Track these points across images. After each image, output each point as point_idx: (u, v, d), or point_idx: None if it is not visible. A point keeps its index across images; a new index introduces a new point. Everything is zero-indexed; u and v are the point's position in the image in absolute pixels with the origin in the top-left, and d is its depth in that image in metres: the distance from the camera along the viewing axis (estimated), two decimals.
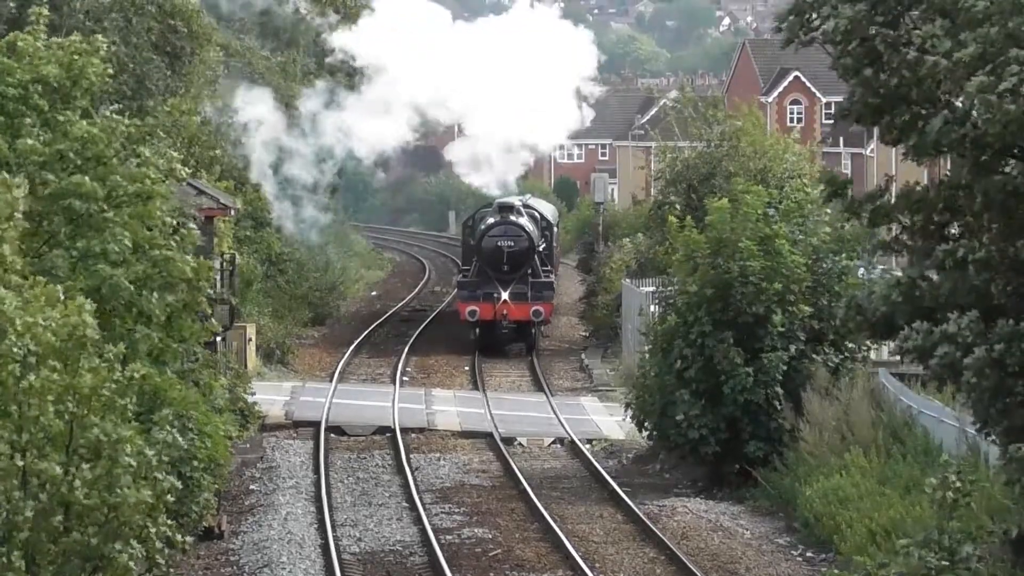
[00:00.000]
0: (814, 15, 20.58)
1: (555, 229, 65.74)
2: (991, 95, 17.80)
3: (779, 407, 35.84)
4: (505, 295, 55.80)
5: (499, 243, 57.28)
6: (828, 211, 38.12)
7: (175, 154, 29.88)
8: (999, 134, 18.27)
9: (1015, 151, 18.68)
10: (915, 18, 20.03)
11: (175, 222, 28.07)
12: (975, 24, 18.14)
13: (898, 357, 35.41)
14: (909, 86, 20.01)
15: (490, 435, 43.17)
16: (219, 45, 63.16)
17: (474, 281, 57.33)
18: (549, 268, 60.55)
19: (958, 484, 25.47)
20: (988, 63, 18.29)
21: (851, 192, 22.53)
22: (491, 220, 58.86)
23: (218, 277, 42.26)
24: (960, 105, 19.77)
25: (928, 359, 20.01)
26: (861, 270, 37.32)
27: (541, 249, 59.15)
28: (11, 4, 48.51)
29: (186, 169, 29.98)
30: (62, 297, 18.81)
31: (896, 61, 19.83)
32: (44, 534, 17.79)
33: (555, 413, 46.58)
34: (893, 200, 21.23)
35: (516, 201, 60.73)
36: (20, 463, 17.62)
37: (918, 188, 21.10)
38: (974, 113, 18.74)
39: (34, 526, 17.70)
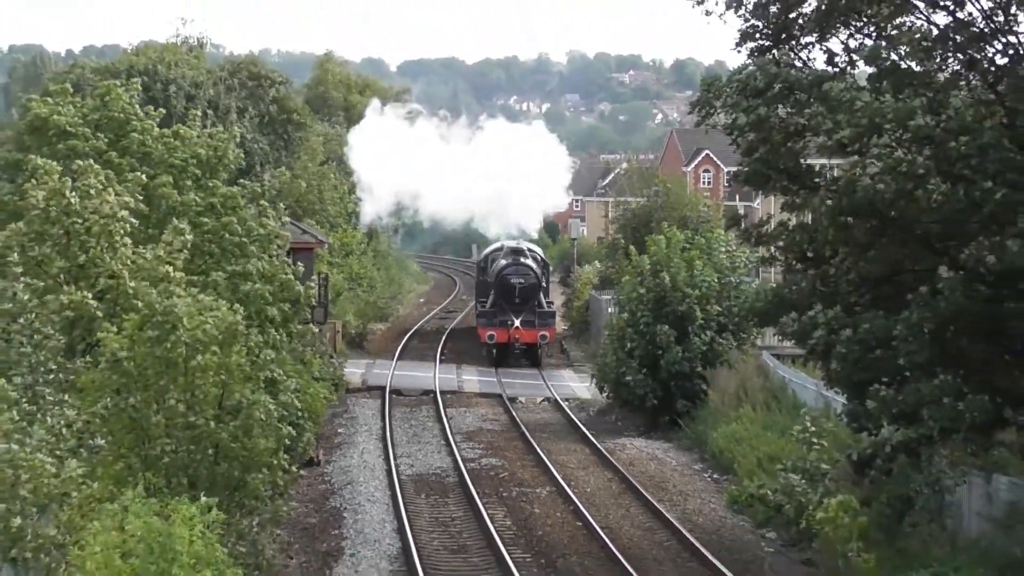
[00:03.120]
0: (717, 104, 20.63)
1: (549, 266, 59.81)
2: (866, 179, 17.71)
3: (700, 374, 36.04)
4: (517, 322, 49.98)
5: (512, 280, 50.96)
6: (726, 246, 38.41)
7: (281, 205, 30.47)
8: (857, 205, 18.26)
9: (862, 206, 18.67)
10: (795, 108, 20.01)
11: (288, 258, 28.29)
12: (849, 111, 18.02)
13: (775, 342, 35.60)
14: (789, 164, 20.13)
15: (500, 396, 43.08)
16: (318, 134, 63.47)
17: (491, 311, 50.98)
18: (551, 300, 55.74)
19: (813, 428, 25.59)
20: (857, 143, 18.32)
21: (744, 223, 22.71)
22: (504, 262, 52.55)
23: (316, 289, 42.53)
24: (829, 176, 19.91)
25: (805, 341, 20.00)
26: (747, 282, 37.98)
27: (544, 284, 53.35)
28: (182, 104, 48.78)
29: (287, 214, 30.47)
30: (218, 304, 18.86)
31: (783, 144, 19.88)
32: (197, 467, 17.81)
33: (544, 381, 46.57)
34: (771, 229, 21.37)
35: (523, 245, 55.30)
36: (184, 419, 17.67)
37: (789, 224, 21.23)
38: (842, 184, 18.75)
39: (191, 461, 17.75)
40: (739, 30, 20.53)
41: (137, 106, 29.31)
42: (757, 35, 20.53)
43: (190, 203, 26.82)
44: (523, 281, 50.97)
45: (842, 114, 17.92)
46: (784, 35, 20.39)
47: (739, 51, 20.75)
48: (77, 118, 28.73)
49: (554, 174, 59.50)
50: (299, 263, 28.92)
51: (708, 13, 20.24)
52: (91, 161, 24.28)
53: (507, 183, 57.43)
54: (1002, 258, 16.73)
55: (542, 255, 57.63)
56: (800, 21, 20.23)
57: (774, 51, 20.29)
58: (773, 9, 20.21)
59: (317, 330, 39.27)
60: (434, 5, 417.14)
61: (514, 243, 55.48)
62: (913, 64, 18.40)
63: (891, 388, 18.51)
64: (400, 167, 60.11)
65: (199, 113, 30.24)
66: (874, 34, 19.44)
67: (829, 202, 18.80)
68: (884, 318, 18.40)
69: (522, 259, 52.46)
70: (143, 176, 25.86)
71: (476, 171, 58.56)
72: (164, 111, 31.14)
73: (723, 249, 38.18)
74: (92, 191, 22.49)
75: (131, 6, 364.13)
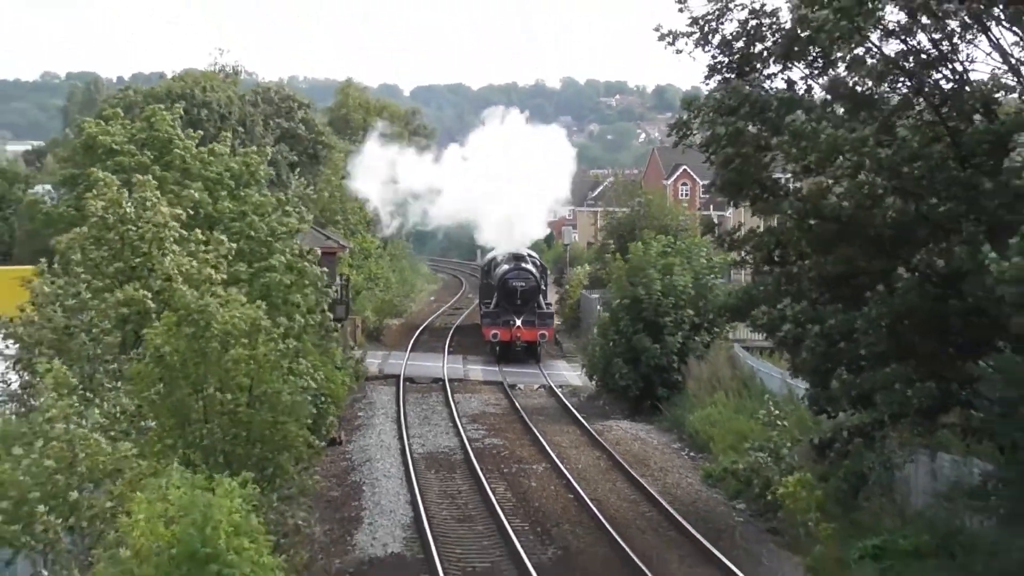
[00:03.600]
0: (694, 124, 20.65)
1: (547, 271, 57.70)
2: (832, 198, 17.78)
3: (676, 367, 36.09)
4: (518, 322, 48.40)
5: (514, 283, 49.48)
6: (704, 249, 38.44)
7: (304, 208, 30.51)
8: (818, 210, 18.38)
9: (828, 218, 18.68)
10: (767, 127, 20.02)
11: (307, 250, 28.32)
12: (812, 140, 18.07)
13: (746, 335, 35.69)
14: (760, 175, 20.16)
15: (501, 383, 43.08)
16: (341, 151, 63.46)
17: (495, 312, 49.38)
18: (550, 302, 54.13)
19: (776, 412, 25.58)
20: (822, 167, 18.40)
21: (717, 231, 22.79)
22: (506, 267, 51.06)
23: (339, 289, 42.61)
24: (794, 186, 19.99)
25: (774, 333, 20.04)
26: (721, 283, 38.08)
27: (543, 287, 51.72)
28: (213, 125, 48.73)
29: (310, 220, 30.68)
30: (251, 305, 18.89)
31: (754, 157, 19.90)
32: (231, 448, 17.83)
33: (540, 370, 46.53)
34: (742, 235, 21.44)
35: (524, 251, 53.73)
36: (221, 407, 17.69)
37: (758, 230, 21.29)
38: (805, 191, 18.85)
39: (227, 443, 17.78)
40: (707, 65, 20.60)
41: (179, 128, 29.42)
42: (723, 69, 20.56)
43: (224, 211, 26.90)
44: (524, 284, 49.98)
45: (806, 141, 18.02)
46: (748, 68, 20.42)
47: (707, 84, 20.84)
48: (124, 138, 28.81)
49: (555, 175, 56.81)
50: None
51: (679, 52, 20.23)
52: (150, 176, 24.37)
53: (507, 183, 55.54)
54: (949, 263, 16.81)
55: (540, 260, 56.70)
56: (763, 54, 20.25)
57: (739, 81, 20.31)
58: (738, 44, 20.24)
59: (339, 325, 39.57)
60: (444, 34, 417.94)
61: (515, 249, 54.55)
62: (866, 87, 18.45)
63: (850, 375, 18.60)
64: (400, 183, 59.64)
65: (228, 135, 30.28)
66: (824, 65, 19.42)
67: (798, 203, 18.93)
68: (845, 313, 18.50)
69: (523, 264, 51.57)
70: (195, 193, 25.85)
71: (476, 171, 56.85)
72: (202, 132, 31.22)
73: (703, 253, 38.23)
74: (148, 203, 22.57)
75: (175, 38, 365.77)
